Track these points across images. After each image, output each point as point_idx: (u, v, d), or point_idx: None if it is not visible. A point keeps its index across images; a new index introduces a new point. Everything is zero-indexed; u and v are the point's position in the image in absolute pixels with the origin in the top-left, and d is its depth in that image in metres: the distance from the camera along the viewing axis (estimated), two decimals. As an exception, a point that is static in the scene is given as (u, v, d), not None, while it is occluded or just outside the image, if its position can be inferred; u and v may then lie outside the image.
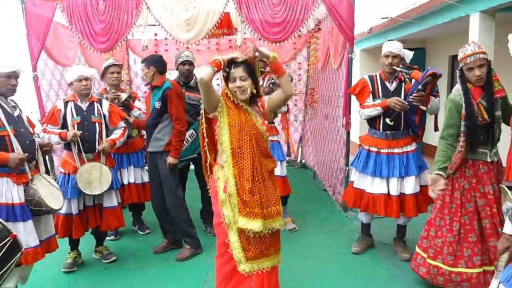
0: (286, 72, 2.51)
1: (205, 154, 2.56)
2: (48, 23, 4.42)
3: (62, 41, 5.20)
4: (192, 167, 4.38)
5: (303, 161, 7.41)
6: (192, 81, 4.19)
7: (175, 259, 3.72)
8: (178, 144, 3.65)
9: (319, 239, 4.14)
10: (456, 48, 2.99)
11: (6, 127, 2.74)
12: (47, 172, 3.17)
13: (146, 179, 4.34)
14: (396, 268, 3.46)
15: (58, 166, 3.75)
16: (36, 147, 2.97)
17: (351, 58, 4.50)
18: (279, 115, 4.77)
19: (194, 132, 4.10)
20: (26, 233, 2.72)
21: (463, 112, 2.79)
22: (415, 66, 3.50)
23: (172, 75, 5.28)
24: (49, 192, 2.91)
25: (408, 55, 3.56)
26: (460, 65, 2.80)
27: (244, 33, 6.03)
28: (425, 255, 3.03)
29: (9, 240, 2.26)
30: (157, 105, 3.65)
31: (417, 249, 3.12)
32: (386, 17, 6.28)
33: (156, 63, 3.67)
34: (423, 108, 3.40)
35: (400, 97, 3.42)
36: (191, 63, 4.13)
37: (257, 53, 2.41)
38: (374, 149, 3.59)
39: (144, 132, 4.44)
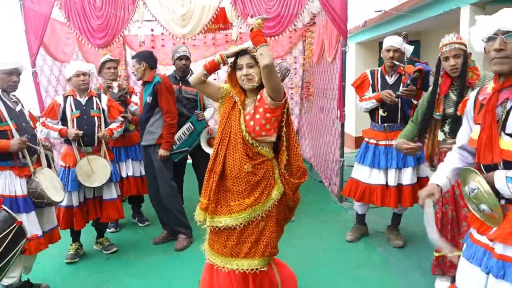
0: (263, 43, 2.16)
1: None
2: (46, 20, 4.49)
3: (60, 38, 5.27)
4: (189, 161, 4.49)
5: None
6: (188, 76, 4.27)
7: (173, 249, 3.82)
8: (169, 137, 3.75)
9: (315, 229, 4.24)
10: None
11: (8, 122, 2.82)
12: (49, 166, 3.25)
13: (144, 172, 4.43)
14: (389, 255, 3.57)
15: (59, 160, 3.83)
16: (38, 142, 3.06)
17: (345, 51, 4.58)
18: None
19: (191, 125, 4.19)
20: (29, 224, 2.81)
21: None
22: (424, 62, 3.57)
23: (169, 70, 5.36)
24: (50, 185, 3.00)
25: (409, 49, 3.64)
26: (439, 55, 2.88)
27: (240, 28, 6.10)
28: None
29: (15, 227, 2.36)
30: (148, 99, 3.75)
31: None
32: (380, 10, 6.35)
33: (147, 59, 3.77)
34: (415, 102, 3.50)
35: (398, 90, 3.52)
36: (187, 58, 4.20)
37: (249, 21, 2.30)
38: (373, 141, 3.70)
39: (141, 126, 4.53)
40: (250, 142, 2.28)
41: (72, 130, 3.46)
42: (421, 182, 3.62)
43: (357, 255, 3.63)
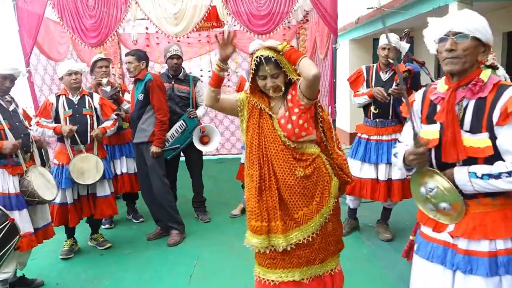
0: (301, 56, 2.05)
1: None
2: (39, 19, 4.53)
3: (54, 37, 5.32)
4: (183, 158, 4.55)
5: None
6: (181, 74, 4.32)
7: (166, 245, 3.89)
8: (161, 134, 3.82)
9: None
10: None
11: (1, 121, 2.88)
12: (43, 164, 3.31)
13: (137, 169, 4.49)
14: (377, 248, 3.64)
15: (53, 158, 3.89)
16: (31, 140, 3.12)
17: (335, 49, 4.63)
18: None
19: (184, 123, 4.24)
20: (21, 221, 2.87)
21: None
22: (421, 61, 3.63)
23: (164, 68, 5.39)
24: (42, 184, 3.05)
25: (405, 47, 3.70)
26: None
27: (234, 26, 6.13)
28: None
29: (7, 224, 2.42)
30: (140, 97, 3.81)
31: None
32: (372, 7, 6.40)
33: (146, 59, 3.88)
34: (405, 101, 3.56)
35: (391, 87, 3.58)
36: (179, 57, 4.25)
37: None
38: (365, 136, 3.77)
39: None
40: (293, 146, 2.12)
41: (66, 127, 3.52)
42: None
43: (346, 248, 3.64)
